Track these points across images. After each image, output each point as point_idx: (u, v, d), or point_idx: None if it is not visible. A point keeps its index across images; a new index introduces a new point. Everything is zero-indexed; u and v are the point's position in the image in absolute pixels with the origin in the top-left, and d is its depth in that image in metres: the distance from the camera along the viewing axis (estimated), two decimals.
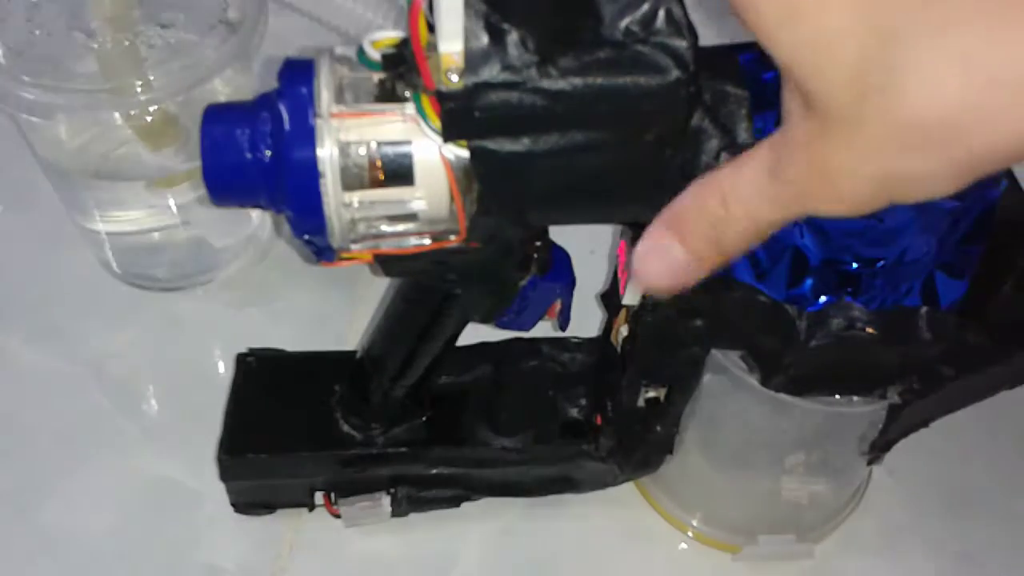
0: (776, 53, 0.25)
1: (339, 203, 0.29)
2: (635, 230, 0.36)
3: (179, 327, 0.55)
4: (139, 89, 0.46)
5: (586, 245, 0.48)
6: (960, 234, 0.36)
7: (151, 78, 0.46)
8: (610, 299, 0.43)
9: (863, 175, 0.25)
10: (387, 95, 0.29)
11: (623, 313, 0.41)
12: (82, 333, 0.54)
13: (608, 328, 0.44)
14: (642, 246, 0.29)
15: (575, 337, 0.48)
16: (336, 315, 0.55)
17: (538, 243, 0.36)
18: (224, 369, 0.53)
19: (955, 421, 0.42)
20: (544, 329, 0.43)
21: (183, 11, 0.49)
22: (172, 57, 0.47)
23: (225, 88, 0.50)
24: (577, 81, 0.28)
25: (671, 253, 0.29)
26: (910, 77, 0.23)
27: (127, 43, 0.47)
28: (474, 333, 0.43)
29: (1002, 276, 0.37)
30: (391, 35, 0.29)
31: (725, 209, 0.27)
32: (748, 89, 0.30)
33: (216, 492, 0.46)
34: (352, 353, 0.47)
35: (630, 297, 0.37)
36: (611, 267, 0.48)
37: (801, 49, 0.24)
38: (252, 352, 0.47)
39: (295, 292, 0.56)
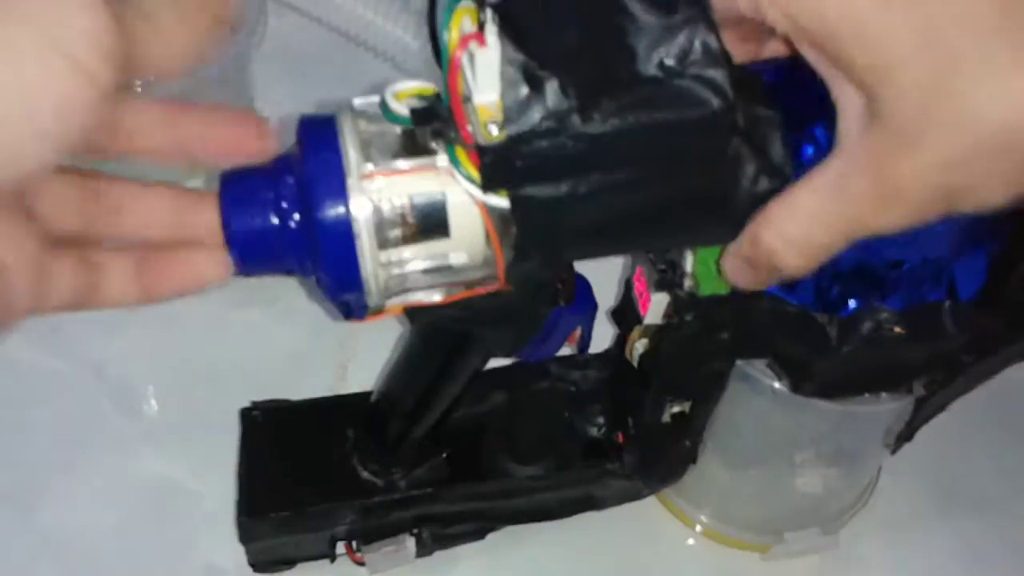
0: (849, 71, 0.26)
1: (376, 263, 0.28)
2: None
3: (179, 327, 0.55)
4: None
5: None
6: (978, 231, 0.36)
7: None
8: (622, 315, 0.43)
9: (927, 184, 0.26)
10: (413, 147, 0.28)
11: (638, 329, 0.41)
12: (82, 333, 0.54)
13: (621, 343, 0.43)
14: (724, 259, 0.32)
15: (582, 355, 0.47)
16: (336, 315, 0.55)
17: (563, 275, 0.36)
18: (224, 369, 0.53)
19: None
20: None
21: None
22: None
23: (225, 88, 0.50)
24: (619, 122, 0.27)
25: (745, 276, 0.31)
26: (975, 87, 0.25)
27: None
28: None
29: (1017, 262, 0.37)
30: (412, 85, 0.28)
31: (780, 241, 0.29)
32: (777, 109, 0.30)
33: (216, 492, 0.46)
34: (357, 396, 0.46)
35: (652, 317, 0.37)
36: (620, 279, 0.48)
37: (873, 67, 0.26)
38: (256, 405, 0.46)
39: (295, 292, 0.56)
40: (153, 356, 0.53)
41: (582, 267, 0.39)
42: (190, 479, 0.48)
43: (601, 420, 0.46)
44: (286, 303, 0.56)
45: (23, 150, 0.22)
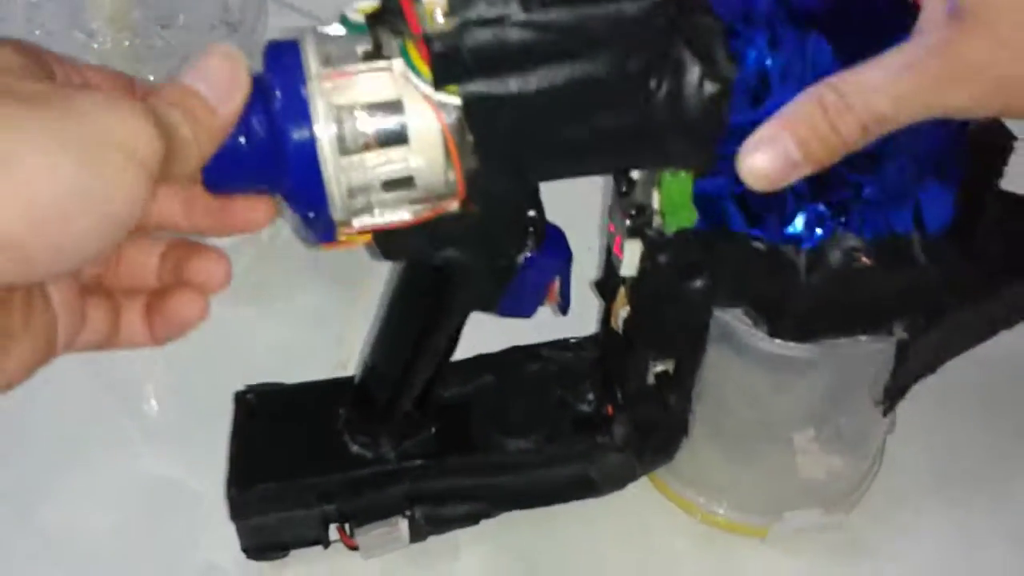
0: None
1: (337, 168, 0.29)
2: (623, 201, 0.37)
3: None
4: None
5: (583, 242, 0.48)
6: (935, 152, 0.37)
7: (151, 77, 0.46)
8: (604, 284, 0.43)
9: (993, 74, 0.29)
10: (373, 61, 0.30)
11: (620, 294, 0.41)
12: None
13: (607, 316, 0.44)
14: (752, 143, 0.31)
15: (572, 337, 0.48)
16: (336, 315, 0.55)
17: (532, 213, 0.36)
18: (223, 368, 0.53)
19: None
20: (545, 331, 0.43)
21: (183, 11, 0.49)
22: (172, 57, 0.47)
23: None
24: (561, 11, 0.28)
25: (782, 146, 0.31)
26: None
27: (127, 43, 0.47)
28: (472, 346, 0.43)
29: (981, 200, 0.38)
30: (370, 3, 0.30)
31: (844, 103, 0.30)
32: (718, 17, 0.31)
33: (216, 492, 0.46)
34: (349, 378, 0.46)
35: (628, 267, 0.38)
36: (598, 260, 0.48)
37: None
38: (250, 388, 0.46)
39: (294, 292, 0.56)
40: (152, 356, 0.53)
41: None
42: (190, 479, 0.48)
43: (591, 396, 0.46)
44: (285, 302, 0.56)
45: (102, 233, 0.25)
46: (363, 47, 0.30)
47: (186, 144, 0.27)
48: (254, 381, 0.48)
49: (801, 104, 0.31)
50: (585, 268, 0.43)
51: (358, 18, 0.29)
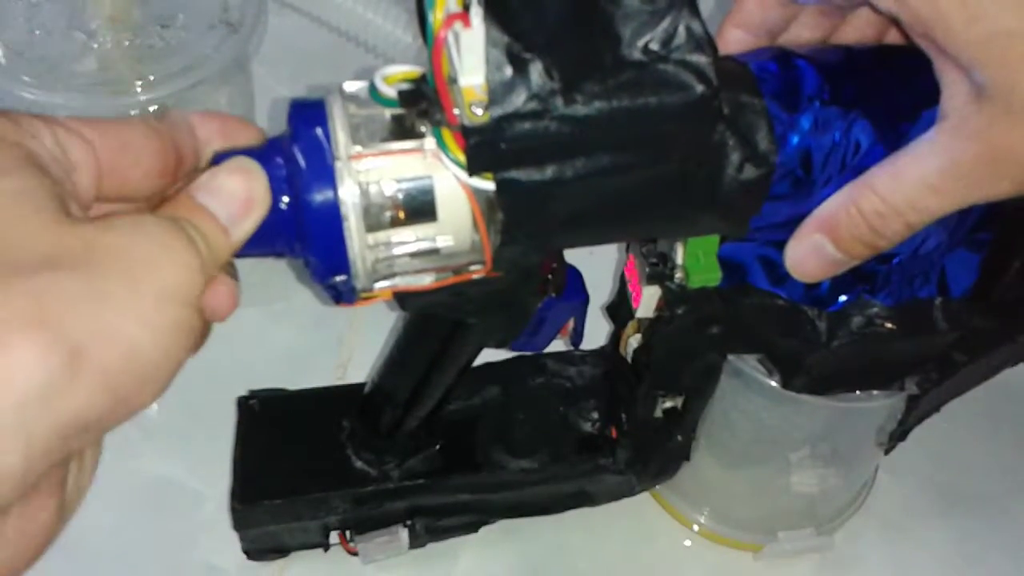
0: (956, 49, 0.28)
1: (363, 245, 0.28)
2: (645, 246, 0.37)
3: None
4: (139, 89, 0.46)
5: (598, 262, 0.47)
6: (969, 225, 0.36)
7: (151, 77, 0.46)
8: (616, 310, 0.43)
9: None
10: (402, 131, 0.28)
11: (632, 323, 0.41)
12: None
13: (616, 339, 0.43)
14: (795, 247, 0.32)
15: (578, 350, 0.47)
16: (336, 315, 0.55)
17: (554, 265, 0.36)
18: (224, 368, 0.53)
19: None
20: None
21: (183, 11, 0.49)
22: (172, 57, 0.47)
23: (225, 88, 0.50)
24: (603, 105, 0.27)
25: (825, 252, 0.32)
26: None
27: (127, 43, 0.47)
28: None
29: (1010, 261, 0.37)
30: (402, 69, 0.28)
31: (885, 206, 0.30)
32: (762, 97, 0.30)
33: (216, 492, 0.46)
34: (354, 387, 0.46)
35: (644, 310, 0.37)
36: (615, 274, 0.48)
37: (982, 45, 0.27)
38: (253, 395, 0.46)
39: (295, 292, 0.56)
40: None
41: (575, 259, 0.39)
42: (190, 479, 0.48)
43: (595, 415, 0.46)
44: (286, 303, 0.56)
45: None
46: (392, 110, 0.29)
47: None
48: (255, 380, 0.48)
49: (841, 208, 0.31)
50: (587, 273, 0.42)
51: (389, 92, 0.28)
